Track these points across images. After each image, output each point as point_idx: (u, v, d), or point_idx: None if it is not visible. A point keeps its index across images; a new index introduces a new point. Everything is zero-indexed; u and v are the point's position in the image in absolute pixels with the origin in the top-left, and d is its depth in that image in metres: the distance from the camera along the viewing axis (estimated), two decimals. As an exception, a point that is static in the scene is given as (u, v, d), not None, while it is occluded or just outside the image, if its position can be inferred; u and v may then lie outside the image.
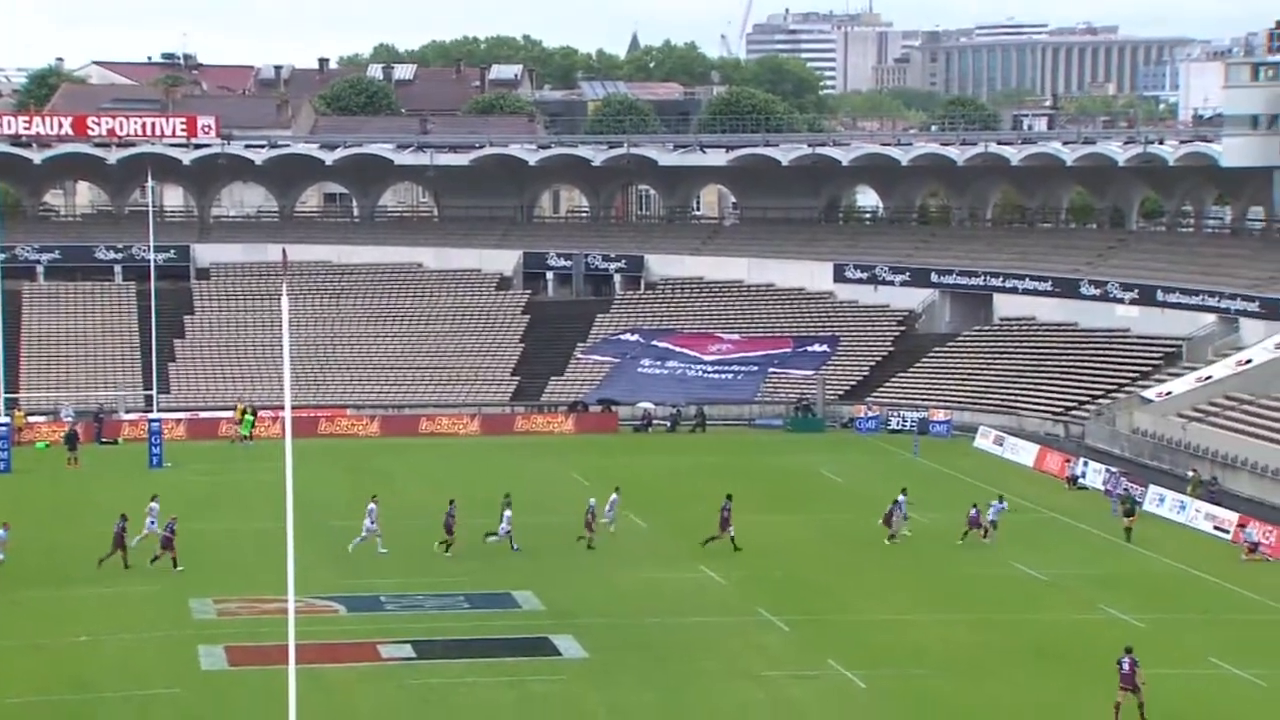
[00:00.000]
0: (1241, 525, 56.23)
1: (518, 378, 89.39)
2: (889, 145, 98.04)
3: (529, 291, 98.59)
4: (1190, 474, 64.76)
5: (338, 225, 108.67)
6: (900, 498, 55.73)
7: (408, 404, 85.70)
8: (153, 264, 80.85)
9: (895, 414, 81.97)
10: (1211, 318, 79.45)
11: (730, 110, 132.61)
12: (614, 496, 56.26)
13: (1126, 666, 36.64)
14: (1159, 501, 62.08)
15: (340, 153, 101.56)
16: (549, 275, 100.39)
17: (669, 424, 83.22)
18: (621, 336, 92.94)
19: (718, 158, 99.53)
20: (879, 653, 42.46)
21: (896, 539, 54.66)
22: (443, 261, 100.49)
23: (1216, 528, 58.13)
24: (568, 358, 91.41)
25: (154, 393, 78.31)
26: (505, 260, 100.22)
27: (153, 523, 52.66)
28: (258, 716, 36.83)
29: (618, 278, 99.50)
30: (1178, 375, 76.39)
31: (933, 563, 52.37)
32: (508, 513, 53.53)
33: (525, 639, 43.99)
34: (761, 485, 68.03)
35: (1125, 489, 61.10)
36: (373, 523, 53.50)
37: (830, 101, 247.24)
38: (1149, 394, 75.26)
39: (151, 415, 74.66)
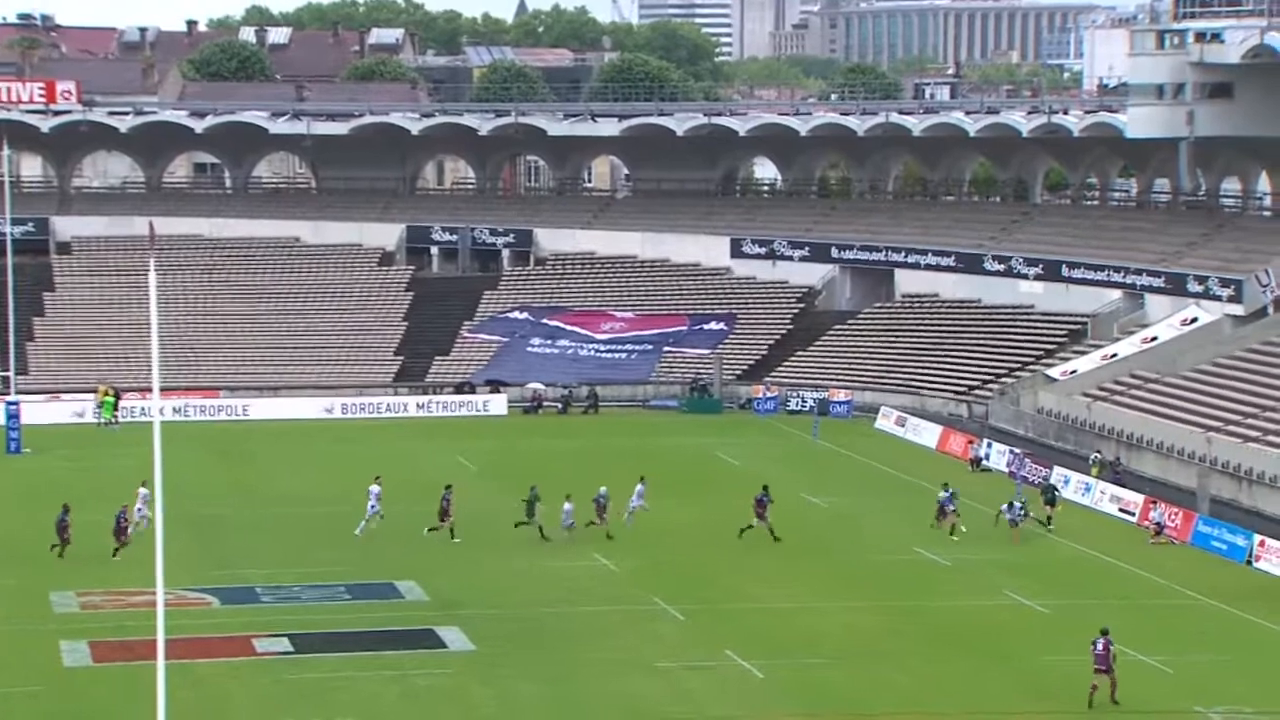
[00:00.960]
0: (1151, 505, 57.20)
1: (401, 358, 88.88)
2: (787, 115, 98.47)
3: (412, 267, 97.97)
4: (1094, 455, 65.75)
5: (209, 197, 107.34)
6: (944, 494, 55.24)
7: (284, 385, 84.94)
8: (9, 238, 79.53)
9: (794, 394, 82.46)
10: (1117, 294, 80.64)
11: (622, 78, 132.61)
12: (640, 486, 54.87)
13: (1101, 647, 37.21)
14: (1064, 484, 62.96)
15: (210, 121, 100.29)
16: (433, 250, 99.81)
17: (560, 406, 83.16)
18: (510, 314, 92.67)
19: (609, 127, 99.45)
20: (777, 642, 42.74)
21: (956, 536, 54.13)
22: (321, 236, 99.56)
23: (1122, 510, 59.08)
24: (454, 337, 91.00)
25: (11, 374, 76.97)
26: (387, 235, 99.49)
27: (143, 510, 52.26)
28: (124, 715, 36.38)
29: (506, 253, 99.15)
30: (1083, 353, 77.51)
31: (834, 549, 52.76)
32: (566, 505, 53.00)
33: (408, 631, 43.79)
34: (656, 468, 68.04)
35: (1046, 479, 60.68)
36: (377, 504, 53.46)
37: (726, 69, 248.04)
38: (1053, 372, 76.28)
39: (9, 398, 73.40)
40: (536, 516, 53.20)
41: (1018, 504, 54.74)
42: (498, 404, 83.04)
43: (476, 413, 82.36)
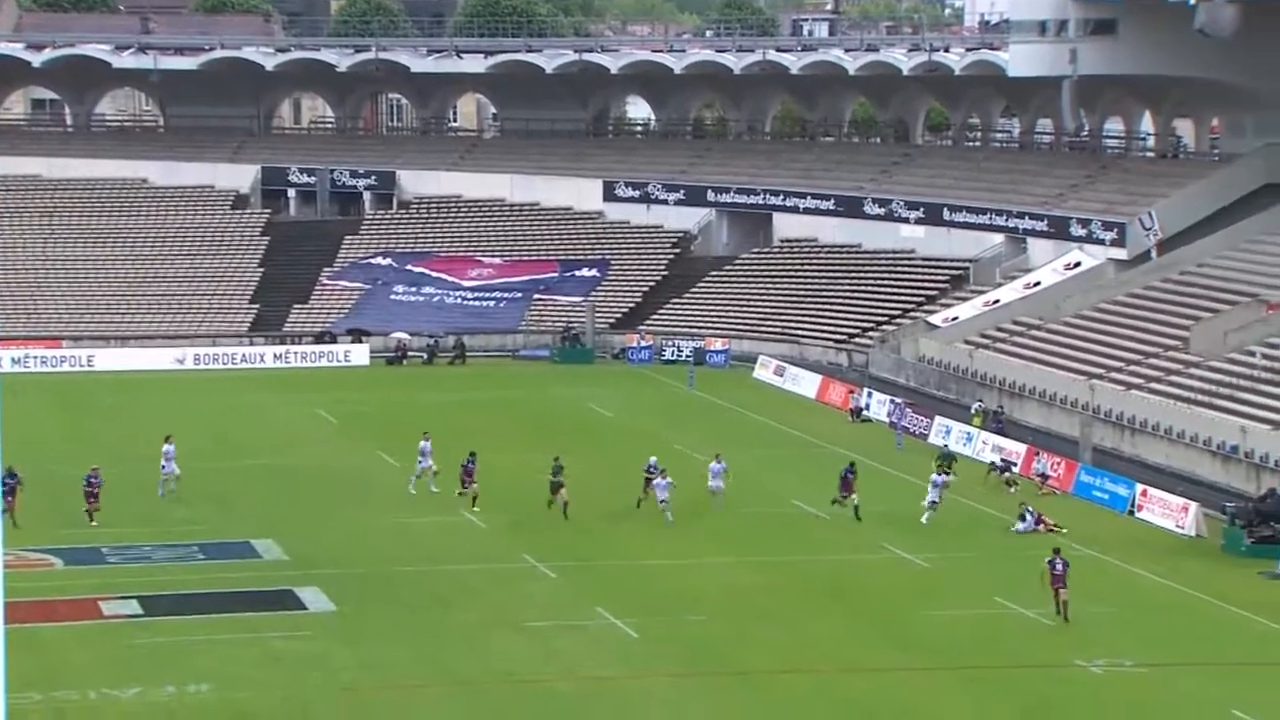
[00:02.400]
0: (1034, 454, 58.10)
1: (257, 306, 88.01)
2: (661, 52, 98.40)
3: (268, 211, 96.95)
4: (976, 405, 66.67)
5: (48, 135, 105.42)
6: (937, 478, 51.75)
7: (132, 335, 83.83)
8: None
9: (670, 343, 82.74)
10: (999, 238, 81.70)
11: (488, 12, 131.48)
12: (718, 465, 51.51)
13: (1060, 568, 40.67)
14: (945, 433, 63.83)
15: (49, 54, 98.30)
16: (290, 193, 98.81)
17: (425, 356, 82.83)
18: (372, 260, 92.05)
19: (475, 64, 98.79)
20: (652, 599, 43.00)
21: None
22: (170, 177, 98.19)
23: (1004, 460, 59.92)
24: (313, 284, 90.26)
25: None
26: (241, 176, 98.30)
27: (168, 465, 52.41)
28: (-36, 685, 35.85)
29: (367, 196, 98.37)
30: (964, 299, 78.48)
31: (708, 503, 53.05)
32: (663, 480, 50.37)
33: (266, 592, 43.53)
34: (526, 421, 68.20)
35: (1003, 460, 57.66)
36: (427, 459, 53.43)
37: (597, 3, 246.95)
38: (935, 319, 77.18)
39: None
40: (562, 495, 50.53)
41: (1029, 515, 50.53)
42: (359, 354, 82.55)
43: (337, 364, 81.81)
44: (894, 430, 64.92)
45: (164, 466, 52.78)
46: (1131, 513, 51.96)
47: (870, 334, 79.99)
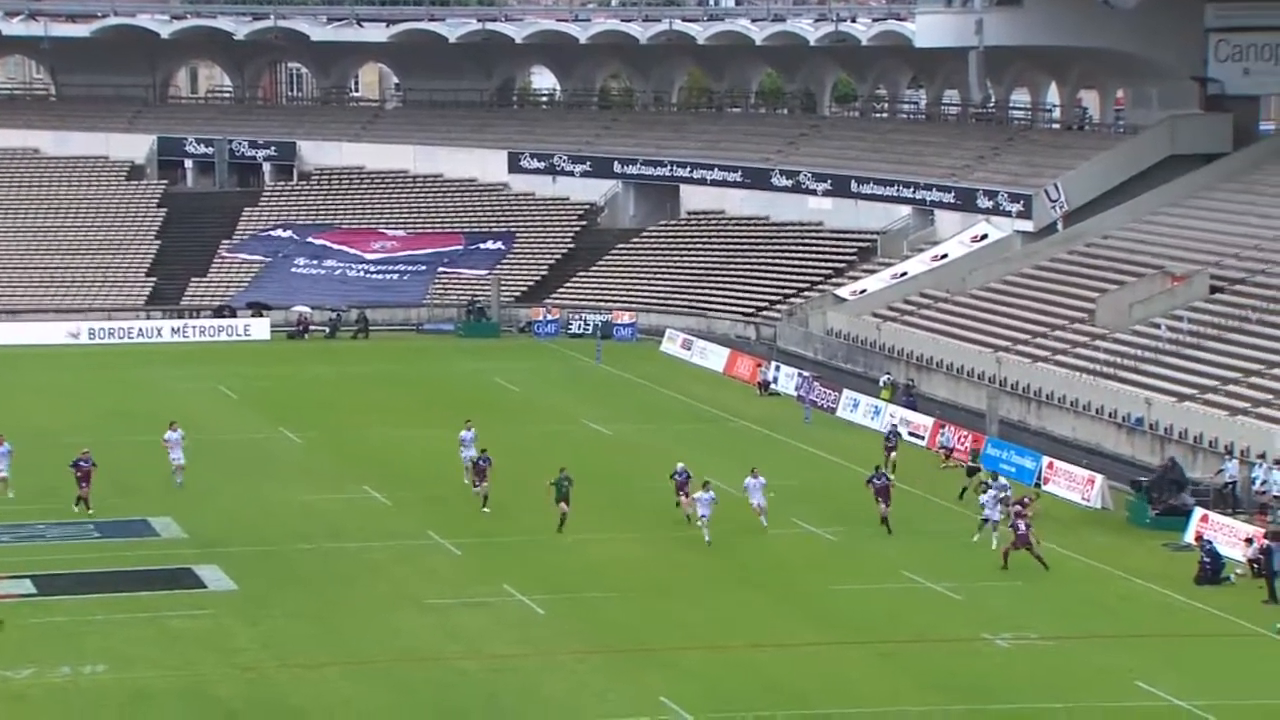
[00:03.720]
0: (940, 428, 58.52)
1: (154, 279, 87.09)
2: (566, 21, 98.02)
3: (165, 182, 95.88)
4: (884, 378, 67.06)
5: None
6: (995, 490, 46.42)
7: (23, 309, 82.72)
8: None
9: (576, 317, 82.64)
10: (906, 210, 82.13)
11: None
12: (755, 480, 46.89)
13: (1023, 528, 42.76)
14: (852, 407, 64.17)
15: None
16: (188, 164, 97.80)
17: (328, 330, 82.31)
18: (272, 233, 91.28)
19: (377, 33, 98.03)
20: (559, 576, 42.95)
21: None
22: (63, 147, 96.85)
23: (912, 434, 60.39)
24: (211, 256, 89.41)
25: None
26: (136, 146, 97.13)
27: (175, 453, 50.88)
28: None
29: (267, 167, 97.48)
30: (872, 272, 78.87)
31: (618, 478, 53.06)
32: (705, 494, 45.46)
33: (164, 570, 43.13)
34: (431, 395, 67.94)
35: (972, 453, 54.58)
36: (469, 448, 51.44)
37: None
38: (842, 292, 77.52)
39: None
40: (566, 506, 46.45)
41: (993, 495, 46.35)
42: (260, 328, 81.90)
43: (237, 338, 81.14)
44: (802, 404, 65.20)
45: (171, 455, 51.16)
46: (1038, 485, 52.43)
47: (778, 307, 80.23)
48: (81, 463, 48.19)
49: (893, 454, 54.35)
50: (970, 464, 53.61)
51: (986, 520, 45.83)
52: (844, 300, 76.84)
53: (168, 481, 51.28)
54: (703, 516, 45.09)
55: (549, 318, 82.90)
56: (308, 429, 60.68)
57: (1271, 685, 35.59)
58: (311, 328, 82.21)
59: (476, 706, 33.63)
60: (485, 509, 48.58)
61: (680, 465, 48.37)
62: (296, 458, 56.41)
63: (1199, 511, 47.67)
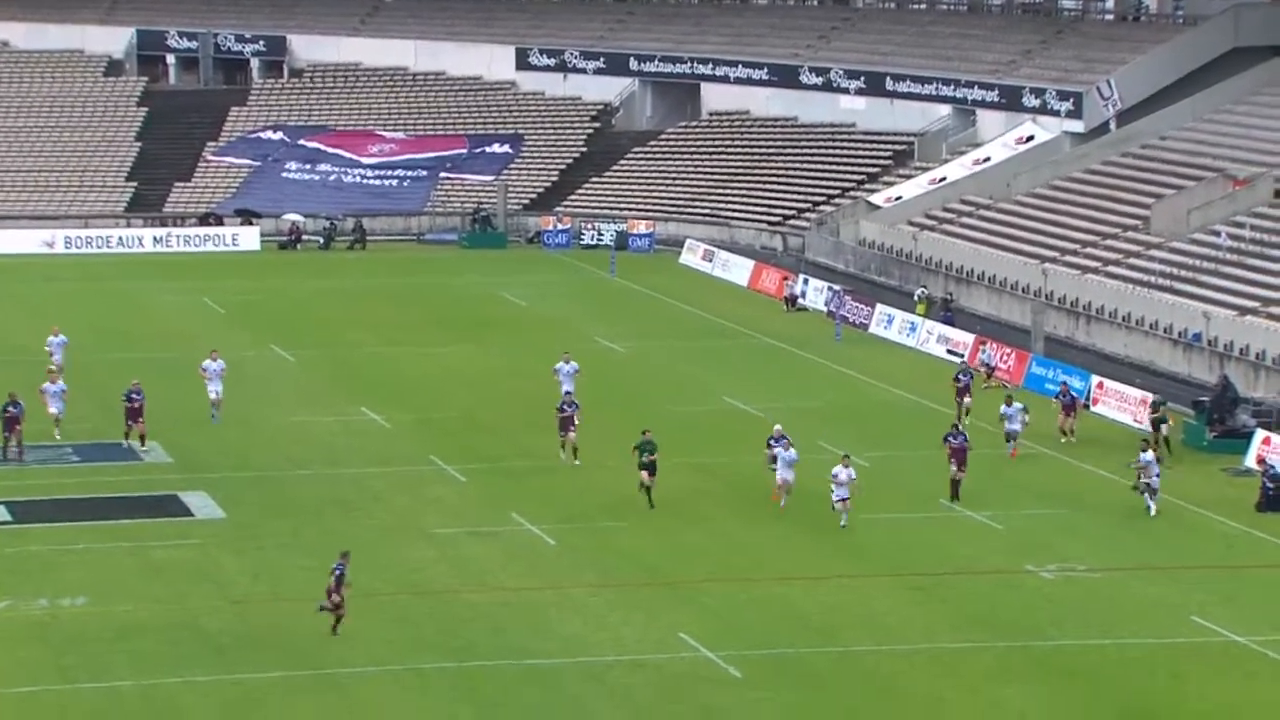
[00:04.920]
0: (981, 345, 58.46)
1: (134, 184, 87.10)
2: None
3: (145, 79, 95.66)
4: (920, 291, 66.97)
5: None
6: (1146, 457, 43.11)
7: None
8: None
9: (589, 226, 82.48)
10: (946, 109, 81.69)
11: None
12: (845, 471, 41.10)
13: (959, 441, 42.74)
14: (887, 323, 64.13)
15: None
16: (170, 59, 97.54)
17: (322, 240, 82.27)
18: (262, 134, 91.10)
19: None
20: (569, 504, 43.07)
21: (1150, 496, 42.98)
22: (36, 40, 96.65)
23: (951, 351, 60.36)
24: (196, 160, 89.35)
25: None
26: (114, 40, 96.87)
27: (215, 389, 49.74)
28: None
29: (255, 63, 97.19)
30: (908, 177, 78.57)
31: (634, 399, 53.10)
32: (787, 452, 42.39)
33: (149, 497, 43.31)
34: (432, 311, 67.97)
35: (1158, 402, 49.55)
36: (568, 382, 49.75)
37: None
38: (876, 199, 77.28)
39: None
40: (650, 477, 42.40)
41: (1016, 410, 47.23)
42: (249, 238, 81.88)
43: (224, 248, 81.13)
44: (832, 320, 65.13)
45: (210, 387, 49.87)
46: (1088, 407, 52.39)
47: (806, 215, 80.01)
48: (133, 394, 47.18)
49: (966, 399, 49.98)
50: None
51: (1012, 433, 46.96)
52: (878, 208, 76.58)
53: (152, 401, 51.21)
54: (842, 499, 40.73)
55: (559, 227, 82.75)
56: (301, 346, 60.76)
57: (1336, 621, 35.67)
58: (304, 238, 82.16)
59: (484, 642, 33.82)
60: (576, 460, 45.70)
61: (778, 427, 43.90)
62: (289, 377, 56.52)
63: (1261, 433, 47.64)
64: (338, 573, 33.89)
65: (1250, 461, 46.55)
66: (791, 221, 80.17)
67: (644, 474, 42.27)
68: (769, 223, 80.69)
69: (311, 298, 70.32)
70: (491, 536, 40.62)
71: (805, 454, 44.73)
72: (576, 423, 46.03)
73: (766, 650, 33.59)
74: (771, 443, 43.25)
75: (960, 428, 44.85)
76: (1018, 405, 47.42)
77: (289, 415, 51.41)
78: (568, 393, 48.76)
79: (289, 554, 39.28)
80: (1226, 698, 31.57)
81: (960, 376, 51.59)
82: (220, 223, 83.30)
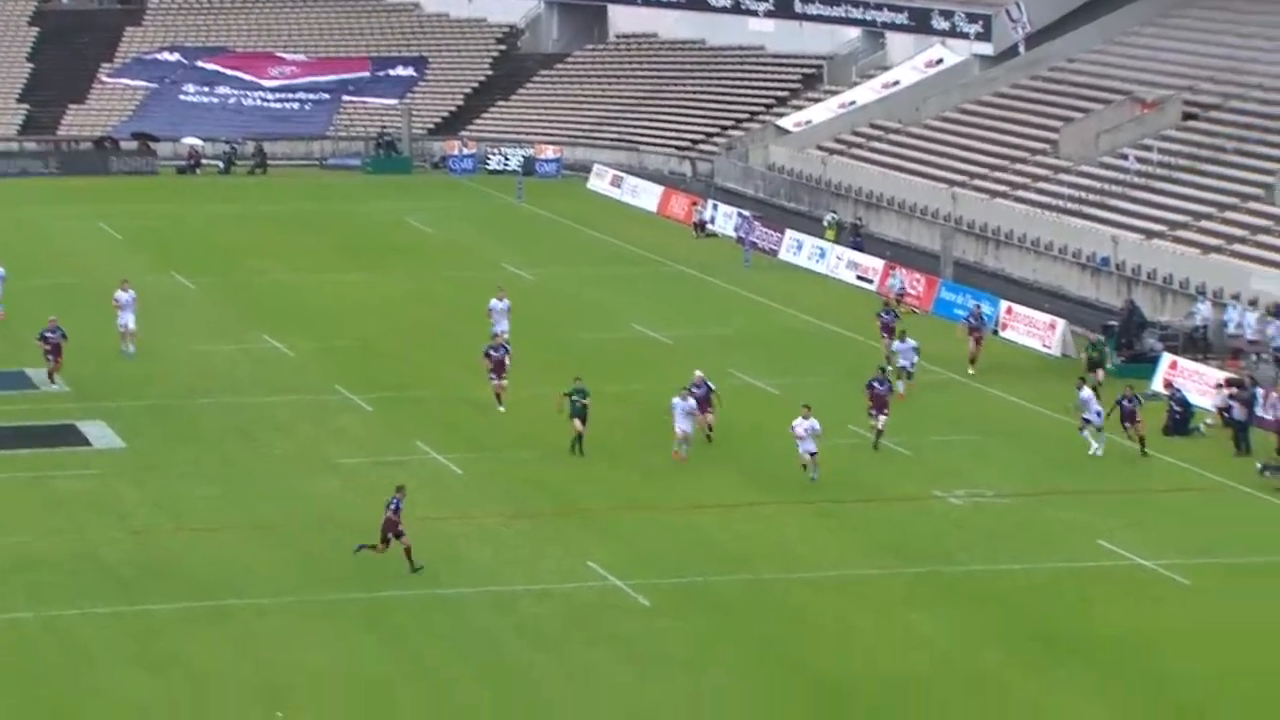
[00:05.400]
0: (890, 270, 58.72)
1: (26, 106, 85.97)
2: None
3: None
4: (830, 217, 67.12)
5: None
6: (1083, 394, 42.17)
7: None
8: None
9: (495, 151, 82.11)
10: (855, 32, 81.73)
11: None
12: (806, 422, 38.93)
13: (882, 388, 41.38)
14: (796, 249, 64.28)
15: None
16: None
17: (222, 165, 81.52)
18: (158, 56, 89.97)
19: None
20: (476, 433, 43.03)
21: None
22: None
23: (860, 277, 60.60)
24: (90, 82, 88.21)
25: None
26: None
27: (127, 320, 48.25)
28: None
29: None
30: (817, 101, 78.61)
31: (541, 327, 53.01)
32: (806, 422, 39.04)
33: (45, 427, 42.93)
34: (335, 237, 67.54)
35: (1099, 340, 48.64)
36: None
37: None
38: (785, 123, 77.29)
39: None
40: (582, 425, 40.86)
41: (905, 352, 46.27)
42: (146, 162, 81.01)
43: (121, 172, 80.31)
44: (741, 246, 65.22)
45: (121, 319, 48.94)
46: (996, 332, 52.78)
47: (715, 140, 79.94)
48: (48, 334, 46.44)
49: (889, 340, 48.57)
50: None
51: (903, 369, 46.08)
52: (787, 132, 76.61)
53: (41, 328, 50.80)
54: (810, 454, 38.80)
55: (465, 152, 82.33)
56: (201, 273, 60.29)
57: (1239, 541, 36.19)
58: (203, 161, 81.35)
59: (391, 573, 33.75)
60: (501, 407, 44.05)
61: (698, 374, 42.11)
62: (189, 304, 56.07)
63: (1167, 358, 48.17)
64: (394, 506, 33.44)
65: (1157, 385, 47.05)
66: (700, 146, 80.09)
67: (576, 422, 40.72)
68: (678, 148, 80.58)
69: (211, 224, 69.71)
70: (398, 466, 40.49)
71: (715, 381, 44.74)
72: (508, 366, 44.04)
73: (676, 579, 33.75)
74: (692, 389, 41.24)
75: (886, 372, 43.45)
76: (910, 342, 46.38)
77: (189, 343, 51.01)
78: (501, 333, 47.43)
79: (190, 484, 39.06)
80: (1133, 621, 32.02)
81: (883, 314, 50.46)
82: (116, 147, 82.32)
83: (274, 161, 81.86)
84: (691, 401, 40.85)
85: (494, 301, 49.14)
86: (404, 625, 31.44)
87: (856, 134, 74.34)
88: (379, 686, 29.00)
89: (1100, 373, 45.99)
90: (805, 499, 38.53)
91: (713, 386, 41.73)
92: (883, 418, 41.60)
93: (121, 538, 35.67)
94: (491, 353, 44.38)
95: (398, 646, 30.61)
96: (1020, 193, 64.32)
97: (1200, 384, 45.86)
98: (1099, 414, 41.52)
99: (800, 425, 38.87)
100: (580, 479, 39.71)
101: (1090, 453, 41.40)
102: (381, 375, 48.06)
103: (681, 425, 40.59)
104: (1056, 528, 37.02)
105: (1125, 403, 41.52)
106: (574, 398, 40.96)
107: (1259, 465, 40.20)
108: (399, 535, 33.50)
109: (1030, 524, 37.27)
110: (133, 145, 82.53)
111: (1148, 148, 63.27)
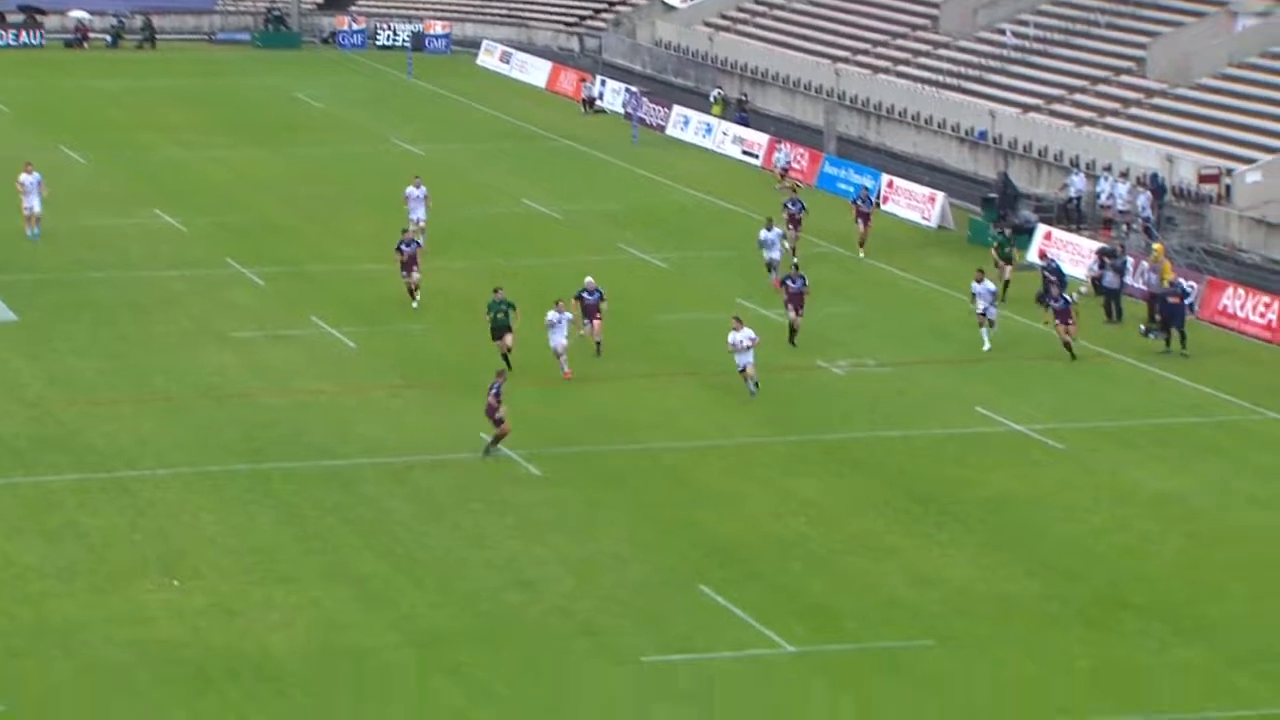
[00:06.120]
0: (775, 145, 58.62)
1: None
2: None
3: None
4: (716, 92, 66.86)
5: None
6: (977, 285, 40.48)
7: None
8: None
9: (384, 26, 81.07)
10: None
11: None
12: (741, 335, 36.31)
13: (797, 285, 39.02)
14: (683, 124, 64.02)
15: None
16: None
17: (109, 38, 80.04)
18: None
19: None
20: (370, 308, 42.72)
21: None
22: None
23: (746, 152, 60.50)
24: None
25: None
26: None
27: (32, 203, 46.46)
28: None
29: None
30: (705, -23, 78.02)
31: (435, 202, 52.43)
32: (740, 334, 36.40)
33: (-62, 305, 42.28)
34: (226, 112, 66.60)
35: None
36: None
37: None
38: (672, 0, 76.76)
39: None
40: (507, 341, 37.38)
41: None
42: (32, 34, 79.41)
43: (7, 45, 78.64)
44: (629, 122, 64.89)
45: (26, 202, 47.45)
46: (878, 206, 52.90)
47: (603, 16, 79.27)
48: None
49: (796, 232, 46.81)
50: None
51: (771, 265, 44.11)
52: (673, 9, 76.10)
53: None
54: (745, 366, 36.28)
55: (355, 27, 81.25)
56: (90, 148, 59.35)
57: (1110, 406, 36.68)
58: (91, 35, 79.80)
59: (283, 444, 33.61)
60: (414, 303, 42.09)
61: (589, 280, 39.32)
62: (79, 178, 55.19)
63: (1042, 228, 48.51)
64: (494, 391, 33.04)
65: (1032, 256, 47.40)
66: (588, 22, 79.42)
67: (507, 338, 37.28)
68: (566, 24, 79.87)
69: (100, 98, 68.52)
70: (291, 340, 40.22)
71: (602, 254, 44.81)
72: (419, 261, 42.07)
73: (566, 448, 33.81)
74: (583, 295, 38.76)
75: (799, 267, 41.92)
76: (776, 231, 44.96)
77: (81, 218, 50.25)
78: (417, 220, 45.88)
79: (84, 358, 38.61)
80: (1009, 484, 32.43)
81: (789, 205, 47.98)
82: (2, 20, 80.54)
83: (162, 36, 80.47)
84: (566, 315, 37.42)
85: (410, 189, 47.18)
86: (296, 495, 31.34)
87: (742, 10, 73.95)
88: (271, 553, 28.93)
89: (1009, 268, 43.94)
90: (691, 370, 38.60)
91: (602, 292, 38.97)
92: (800, 315, 39.60)
93: (16, 410, 35.26)
94: (403, 247, 42.19)
95: (289, 515, 30.53)
96: (901, 68, 64.31)
97: (1074, 254, 46.21)
98: (993, 306, 39.92)
99: (734, 337, 36.21)
100: (469, 352, 39.54)
101: (984, 349, 39.55)
102: (274, 250, 47.61)
103: (556, 341, 37.25)
104: (935, 395, 37.35)
105: (1054, 302, 38.76)
106: (495, 313, 37.46)
107: (1141, 328, 40.68)
108: (497, 421, 32.91)
109: (910, 392, 37.57)
110: (19, 18, 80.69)
111: (1024, 23, 63.32)
